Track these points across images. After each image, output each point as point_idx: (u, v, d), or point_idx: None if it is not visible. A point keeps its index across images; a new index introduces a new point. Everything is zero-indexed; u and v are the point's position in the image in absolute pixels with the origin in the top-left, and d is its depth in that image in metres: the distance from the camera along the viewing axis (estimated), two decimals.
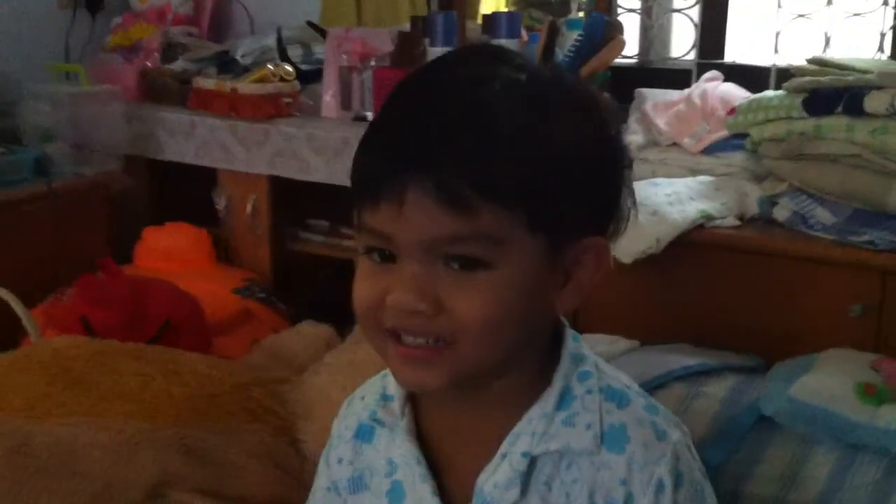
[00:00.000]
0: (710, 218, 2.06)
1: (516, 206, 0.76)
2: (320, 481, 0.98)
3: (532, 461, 0.83)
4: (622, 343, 1.98)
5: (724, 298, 2.04)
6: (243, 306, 2.43)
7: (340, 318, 2.08)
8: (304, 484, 1.58)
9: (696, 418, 1.79)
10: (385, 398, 0.92)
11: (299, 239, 2.72)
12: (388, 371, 0.91)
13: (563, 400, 0.84)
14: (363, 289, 0.81)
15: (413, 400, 0.90)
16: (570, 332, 0.88)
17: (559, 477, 0.83)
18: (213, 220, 2.74)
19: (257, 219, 2.66)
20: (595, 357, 0.88)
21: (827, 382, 1.74)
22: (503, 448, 0.84)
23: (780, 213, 2.09)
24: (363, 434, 0.94)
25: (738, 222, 2.09)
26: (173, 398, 1.54)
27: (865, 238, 1.93)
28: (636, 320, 2.06)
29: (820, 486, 1.65)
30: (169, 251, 2.58)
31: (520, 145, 0.76)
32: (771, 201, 2.12)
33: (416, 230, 0.76)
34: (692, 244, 2.03)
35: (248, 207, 2.64)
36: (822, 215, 2.04)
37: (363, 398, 0.96)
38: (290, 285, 2.74)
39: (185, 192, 2.88)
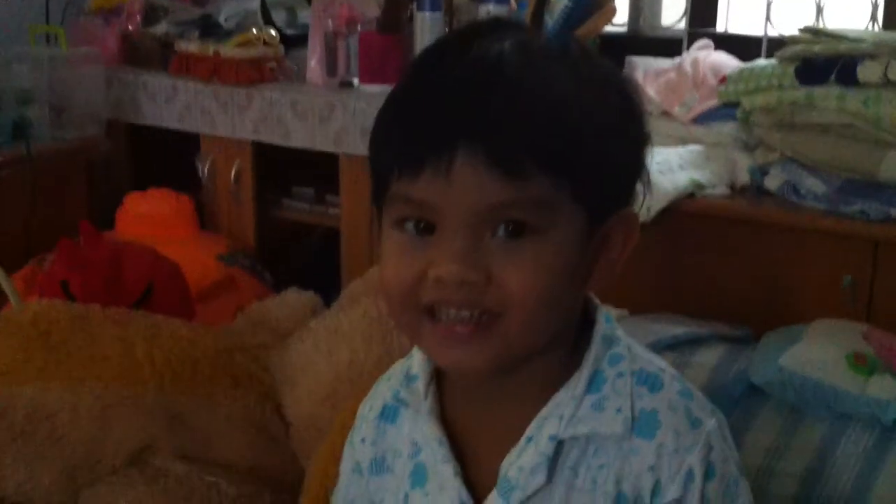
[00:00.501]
0: (700, 187, 2.04)
1: (563, 172, 0.75)
2: (346, 464, 0.96)
3: (559, 445, 0.81)
4: (610, 311, 1.95)
5: (714, 268, 2.02)
6: (227, 274, 2.40)
7: (326, 285, 2.06)
8: (288, 449, 1.57)
9: None
10: (409, 378, 0.89)
11: (284, 206, 2.68)
12: (415, 350, 0.88)
13: (593, 383, 0.81)
14: (399, 265, 0.77)
15: (438, 381, 0.87)
16: (602, 313, 0.85)
17: (586, 462, 0.81)
18: (195, 186, 2.70)
19: (241, 185, 2.63)
20: (629, 339, 0.85)
21: (817, 352, 1.72)
22: (529, 431, 0.81)
23: (771, 182, 2.07)
24: (387, 415, 0.92)
25: (728, 191, 2.07)
26: (154, 363, 1.51)
27: (857, 208, 1.91)
28: (625, 289, 2.03)
29: (809, 456, 1.64)
30: (151, 217, 2.55)
31: (566, 113, 0.75)
32: (762, 171, 2.10)
33: (467, 197, 0.74)
34: (682, 213, 2.02)
35: (232, 174, 2.61)
36: (814, 185, 2.02)
37: (389, 379, 0.94)
38: (275, 253, 2.71)
39: (168, 158, 2.84)
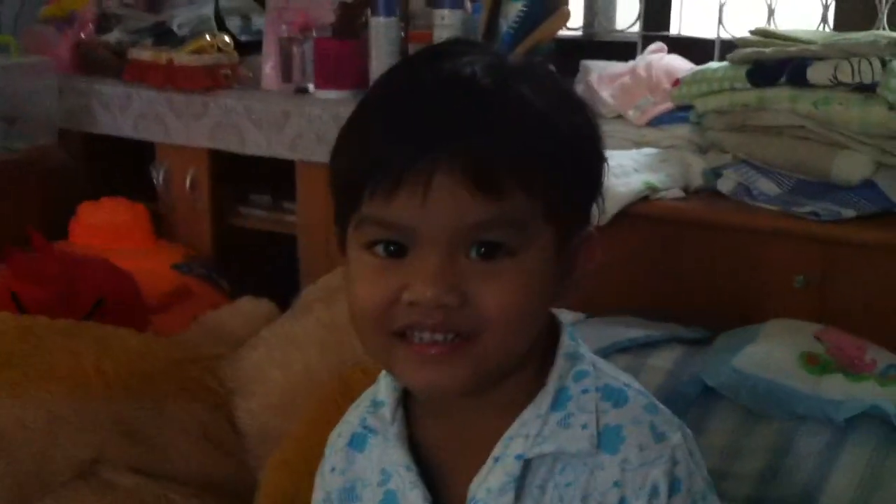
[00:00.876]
0: (654, 190, 2.05)
1: (537, 191, 0.75)
2: (317, 493, 0.96)
3: (526, 464, 0.81)
4: (567, 315, 1.95)
5: (670, 270, 2.03)
6: (183, 283, 2.38)
7: (282, 294, 2.05)
8: (241, 461, 1.55)
9: None
10: (376, 405, 0.88)
11: (241, 214, 2.67)
12: (381, 375, 0.88)
13: (558, 400, 0.81)
14: (371, 288, 0.76)
15: (405, 405, 0.87)
16: (566, 330, 0.85)
17: (553, 479, 0.81)
18: (151, 195, 2.67)
19: (197, 193, 2.60)
20: (593, 356, 0.86)
21: (770, 353, 1.73)
22: (496, 451, 0.81)
23: (725, 184, 2.08)
24: (356, 443, 0.91)
25: (682, 194, 2.08)
26: (105, 375, 1.50)
27: (808, 209, 1.93)
28: (582, 292, 2.04)
29: (764, 457, 1.65)
30: (106, 227, 2.52)
31: (540, 133, 0.76)
32: (715, 173, 2.12)
33: (444, 218, 0.73)
34: (637, 216, 2.02)
35: (188, 182, 2.58)
36: (767, 186, 2.03)
37: (357, 406, 0.94)
38: (232, 261, 2.69)
39: (122, 167, 2.81)
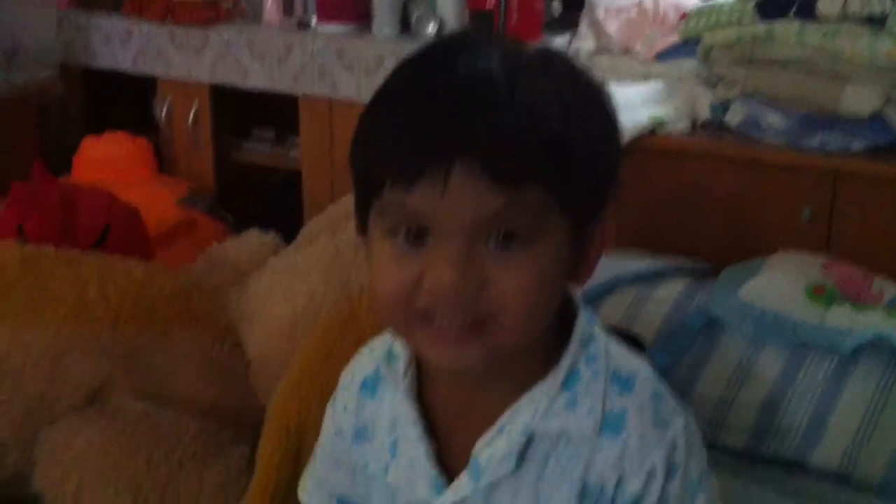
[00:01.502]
0: (661, 123, 2.04)
1: (552, 184, 0.77)
2: (327, 425, 0.99)
3: (530, 437, 0.83)
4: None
5: (676, 203, 2.02)
6: (187, 217, 2.37)
7: (286, 227, 2.04)
8: (247, 387, 1.56)
9: (645, 322, 1.78)
10: (391, 357, 0.91)
11: (244, 149, 2.65)
12: None
13: (569, 381, 0.84)
14: (393, 273, 0.79)
15: (418, 364, 0.89)
16: (584, 313, 0.87)
17: (556, 454, 0.83)
18: (153, 129, 2.66)
19: (199, 128, 2.59)
20: (607, 339, 0.87)
21: (776, 285, 1.73)
22: (503, 421, 0.84)
23: (732, 118, 2.06)
24: (367, 387, 0.94)
25: (689, 128, 2.06)
26: (110, 303, 1.49)
27: (816, 142, 1.92)
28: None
29: (769, 386, 1.65)
30: (108, 162, 2.51)
31: (557, 125, 0.77)
32: (723, 106, 2.10)
33: (463, 208, 0.75)
34: (644, 150, 2.01)
35: (190, 116, 2.57)
36: (774, 120, 2.02)
37: (372, 350, 0.96)
38: (235, 196, 2.68)
39: (124, 102, 2.79)
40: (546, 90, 0.78)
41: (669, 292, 1.82)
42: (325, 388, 1.37)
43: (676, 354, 1.73)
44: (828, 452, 1.59)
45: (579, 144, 0.78)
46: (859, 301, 1.72)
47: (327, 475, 0.99)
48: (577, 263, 0.82)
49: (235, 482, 1.40)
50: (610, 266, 1.91)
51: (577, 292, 0.89)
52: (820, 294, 1.70)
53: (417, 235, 0.77)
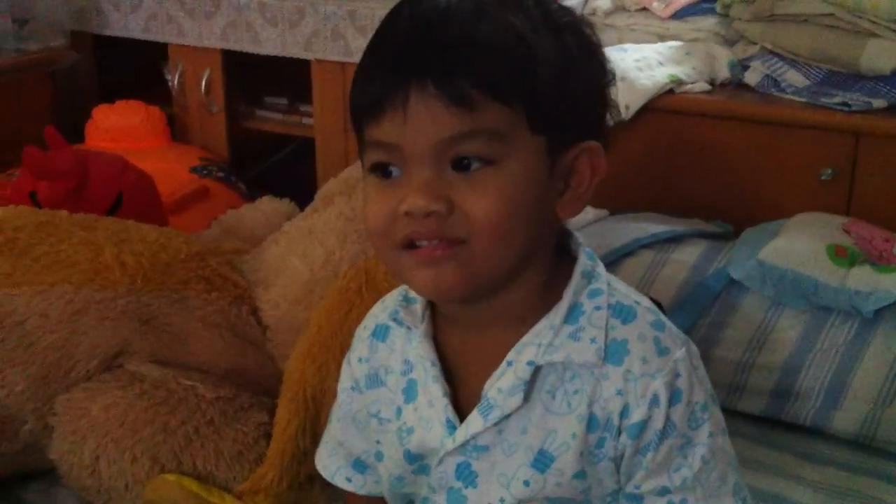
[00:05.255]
0: (679, 83, 2.01)
1: (516, 104, 0.79)
2: (344, 382, 1.00)
3: (536, 370, 0.85)
4: (590, 212, 1.94)
5: (695, 164, 2.00)
6: (201, 185, 2.36)
7: (300, 194, 2.02)
8: (265, 352, 1.55)
9: (664, 284, 1.77)
10: (408, 300, 0.93)
11: (256, 117, 2.63)
12: None
13: (572, 314, 0.85)
14: (375, 206, 0.83)
15: (432, 311, 0.91)
16: (584, 250, 0.89)
17: (562, 387, 0.85)
18: (166, 97, 2.64)
19: (212, 96, 2.57)
20: (608, 275, 0.89)
21: (797, 246, 1.71)
22: (509, 356, 0.86)
23: (752, 76, 2.04)
24: (379, 333, 0.96)
25: (708, 87, 2.04)
26: (125, 267, 1.48)
27: (838, 100, 1.89)
28: (604, 189, 1.97)
29: (790, 349, 1.64)
30: (121, 130, 2.49)
31: (515, 49, 0.79)
32: (742, 65, 2.07)
33: (423, 133, 0.78)
34: (662, 110, 1.99)
35: (202, 84, 2.55)
36: (794, 78, 1.99)
37: (384, 302, 0.98)
38: (249, 164, 2.66)
39: (136, 69, 2.77)
40: (507, 18, 0.80)
41: (688, 255, 1.80)
42: (342, 352, 1.35)
43: (695, 317, 1.71)
44: (848, 416, 1.58)
45: (543, 67, 0.80)
46: (881, 262, 1.70)
47: (344, 436, 1.01)
48: (562, 192, 0.84)
49: (253, 448, 1.40)
50: (629, 229, 1.89)
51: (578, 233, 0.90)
52: (841, 255, 1.68)
53: (392, 169, 0.81)
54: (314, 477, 1.36)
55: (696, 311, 1.72)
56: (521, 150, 0.79)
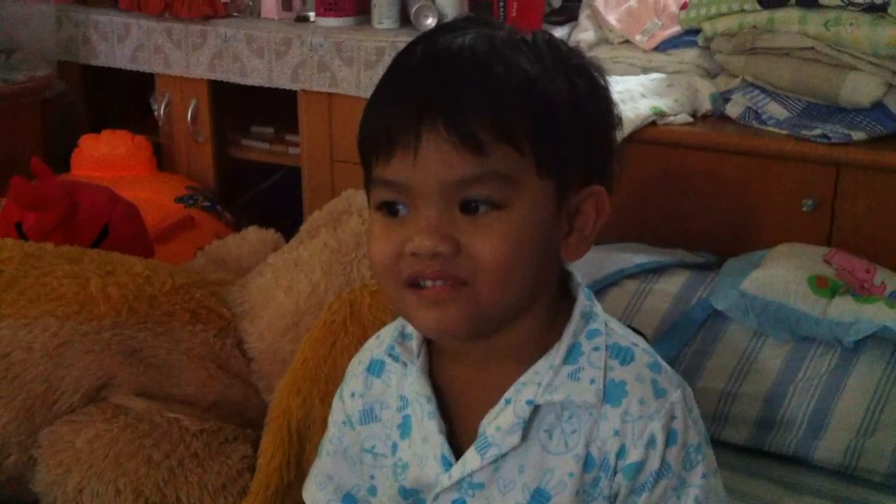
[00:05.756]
0: (662, 114, 2.03)
1: (525, 147, 0.79)
2: (335, 416, 1.00)
3: (535, 410, 0.86)
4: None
5: (677, 195, 2.02)
6: (187, 214, 2.36)
7: (287, 223, 2.03)
8: (249, 384, 1.55)
9: (648, 315, 1.78)
10: (404, 336, 0.94)
11: (243, 146, 2.65)
12: None
13: (571, 355, 0.86)
14: (379, 244, 0.83)
15: (428, 346, 0.92)
16: (583, 290, 0.90)
17: (560, 426, 0.86)
18: (152, 127, 2.65)
19: (198, 125, 2.58)
20: (606, 315, 0.90)
21: (779, 276, 1.73)
22: (508, 394, 0.86)
23: (733, 108, 2.06)
24: (374, 368, 0.96)
25: (690, 119, 2.06)
26: (110, 299, 1.48)
27: (818, 132, 1.91)
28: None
29: (772, 379, 1.65)
30: (107, 159, 2.50)
31: (526, 93, 0.80)
32: (724, 97, 2.09)
33: (433, 174, 0.79)
34: (644, 141, 2.00)
35: (189, 113, 2.56)
36: (775, 110, 2.01)
37: (379, 337, 0.99)
38: (235, 193, 2.67)
39: (122, 99, 2.78)
40: (518, 61, 0.81)
41: (671, 285, 1.81)
42: (327, 385, 1.38)
43: (678, 347, 1.72)
44: (831, 446, 1.59)
45: (553, 110, 0.81)
46: (862, 293, 1.71)
47: (334, 470, 1.01)
48: (568, 235, 0.85)
49: (237, 481, 1.40)
50: (613, 259, 1.91)
51: (578, 273, 0.91)
52: (823, 286, 1.70)
53: (400, 208, 0.82)
54: None
55: (680, 341, 1.73)
56: (529, 193, 0.80)
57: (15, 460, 1.43)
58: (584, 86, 0.85)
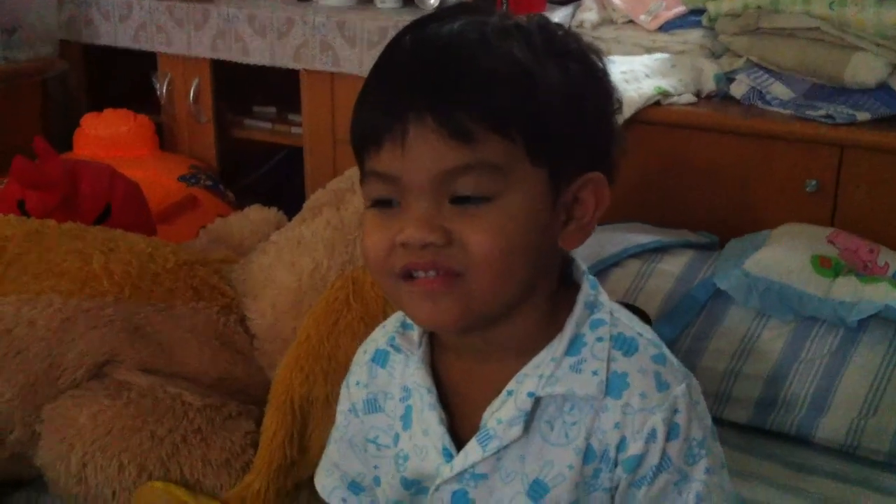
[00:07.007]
0: (666, 95, 2.02)
1: (515, 136, 0.78)
2: (342, 405, 1.00)
3: (536, 402, 0.85)
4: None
5: (680, 176, 2.01)
6: (189, 194, 2.36)
7: (289, 203, 2.03)
8: (252, 361, 1.55)
9: (651, 295, 1.78)
10: (405, 326, 0.93)
11: (245, 126, 2.64)
12: None
13: (573, 346, 0.85)
14: (373, 238, 0.82)
15: (430, 338, 0.91)
16: (587, 279, 0.88)
17: (561, 418, 0.85)
18: (154, 106, 2.64)
19: (200, 105, 2.57)
20: (611, 304, 0.88)
21: (781, 257, 1.72)
22: (510, 386, 0.85)
23: (737, 89, 2.05)
24: (378, 358, 0.96)
25: (694, 99, 2.05)
26: (113, 276, 1.48)
27: (822, 112, 1.90)
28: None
29: (775, 359, 1.65)
30: (110, 139, 2.49)
31: (518, 82, 0.79)
32: (728, 77, 2.09)
33: (422, 166, 0.78)
34: (648, 122, 2.00)
35: (191, 93, 2.55)
36: (779, 90, 2.01)
37: (384, 327, 0.98)
38: (237, 173, 2.67)
39: (126, 78, 2.78)
40: (508, 48, 0.79)
41: (674, 265, 1.81)
42: (329, 362, 1.38)
43: (681, 327, 1.72)
44: (833, 426, 1.59)
45: (546, 97, 0.79)
46: (865, 272, 1.71)
47: (340, 458, 1.00)
48: (566, 223, 0.83)
49: (240, 456, 1.40)
50: (615, 239, 1.90)
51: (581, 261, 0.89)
52: (826, 266, 1.69)
53: (392, 202, 0.80)
54: (301, 485, 1.37)
55: (683, 321, 1.73)
56: (522, 183, 0.79)
57: (18, 436, 1.43)
58: (579, 71, 0.83)
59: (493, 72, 0.78)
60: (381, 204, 0.81)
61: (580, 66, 0.83)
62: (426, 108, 0.77)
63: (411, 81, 0.79)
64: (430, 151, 0.77)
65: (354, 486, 1.00)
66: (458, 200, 0.78)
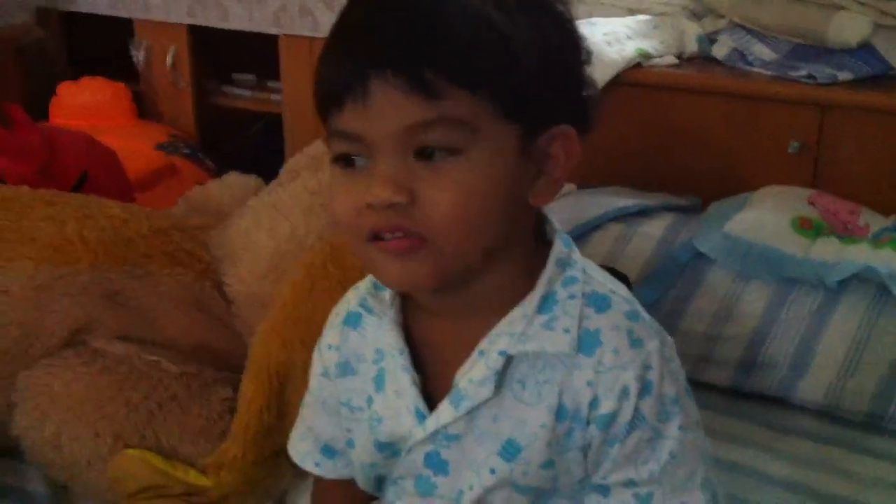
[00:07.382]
0: (648, 56, 2.01)
1: (482, 90, 0.76)
2: (315, 368, 0.99)
3: (508, 360, 0.83)
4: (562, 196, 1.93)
5: (662, 138, 2.00)
6: (168, 162, 2.34)
7: (269, 170, 2.01)
8: (230, 327, 1.54)
9: (632, 258, 1.77)
10: (377, 287, 0.91)
11: (224, 93, 2.62)
12: None
13: (545, 304, 0.84)
14: (340, 199, 0.80)
15: (403, 299, 0.90)
16: (560, 236, 0.86)
17: (533, 377, 0.84)
18: (132, 74, 2.62)
19: (178, 72, 2.55)
20: (585, 261, 0.87)
21: (762, 218, 1.72)
22: (482, 346, 0.84)
23: (719, 50, 2.04)
24: (351, 320, 0.94)
25: (676, 61, 2.04)
26: (87, 242, 1.46)
27: (804, 72, 1.89)
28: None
29: (755, 321, 1.65)
30: (86, 107, 2.47)
31: (483, 34, 0.76)
32: (710, 38, 2.07)
33: (384, 121, 0.76)
34: (630, 84, 1.99)
35: (169, 60, 2.53)
36: (762, 51, 1.99)
37: (357, 287, 0.96)
38: (216, 140, 2.65)
39: (104, 46, 2.75)
40: (476, 2, 0.77)
41: (655, 228, 1.80)
42: (308, 327, 1.36)
43: (662, 290, 1.72)
44: (813, 386, 1.59)
45: (513, 51, 0.77)
46: (846, 234, 1.71)
47: (313, 422, 0.99)
48: (536, 178, 0.81)
49: (217, 423, 1.39)
50: (596, 202, 1.90)
51: (553, 216, 0.88)
52: (806, 227, 1.69)
53: (357, 160, 0.79)
54: (280, 452, 1.35)
55: (664, 284, 1.72)
56: (490, 138, 0.77)
57: None
58: (548, 22, 0.81)
59: (457, 25, 0.76)
60: (344, 161, 0.80)
61: (549, 18, 0.81)
62: (387, 63, 0.74)
63: (371, 36, 0.77)
64: (392, 108, 0.75)
65: (328, 450, 0.99)
66: (424, 155, 0.76)
